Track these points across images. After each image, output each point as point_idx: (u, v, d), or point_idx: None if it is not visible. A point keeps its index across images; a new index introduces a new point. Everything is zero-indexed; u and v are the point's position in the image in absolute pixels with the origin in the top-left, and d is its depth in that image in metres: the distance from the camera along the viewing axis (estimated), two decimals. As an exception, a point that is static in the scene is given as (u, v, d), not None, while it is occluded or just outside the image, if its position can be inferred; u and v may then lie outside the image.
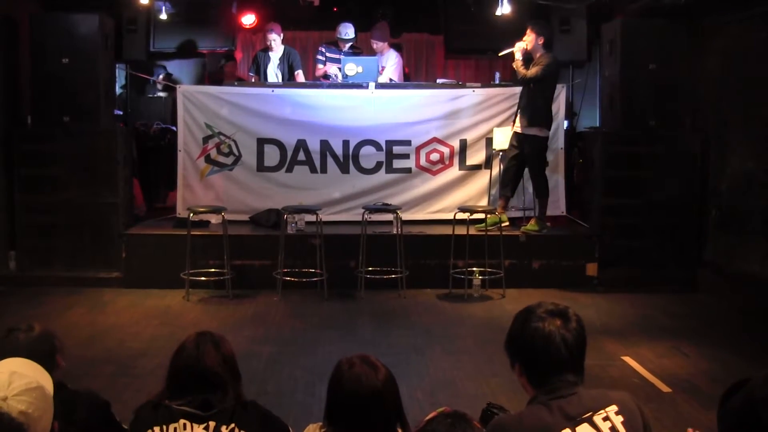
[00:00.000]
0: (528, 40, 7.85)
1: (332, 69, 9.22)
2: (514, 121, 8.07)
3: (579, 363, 2.32)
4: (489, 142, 8.49)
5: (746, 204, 7.64)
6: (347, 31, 9.31)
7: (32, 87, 8.00)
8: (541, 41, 7.84)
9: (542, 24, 8.03)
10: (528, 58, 7.91)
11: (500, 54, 8.20)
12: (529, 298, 7.38)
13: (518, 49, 7.87)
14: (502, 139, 8.23)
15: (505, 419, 2.35)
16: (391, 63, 9.35)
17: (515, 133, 8.04)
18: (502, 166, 8.29)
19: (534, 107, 7.85)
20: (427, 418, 2.20)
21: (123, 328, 6.55)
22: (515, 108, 8.10)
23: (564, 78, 9.60)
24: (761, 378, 1.66)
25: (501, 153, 8.33)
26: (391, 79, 9.17)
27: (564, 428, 2.19)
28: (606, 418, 2.22)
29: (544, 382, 2.29)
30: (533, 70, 7.76)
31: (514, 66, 7.96)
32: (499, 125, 8.40)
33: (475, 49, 8.05)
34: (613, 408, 2.24)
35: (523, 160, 8.05)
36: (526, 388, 2.35)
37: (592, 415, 2.22)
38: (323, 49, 9.56)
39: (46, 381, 2.35)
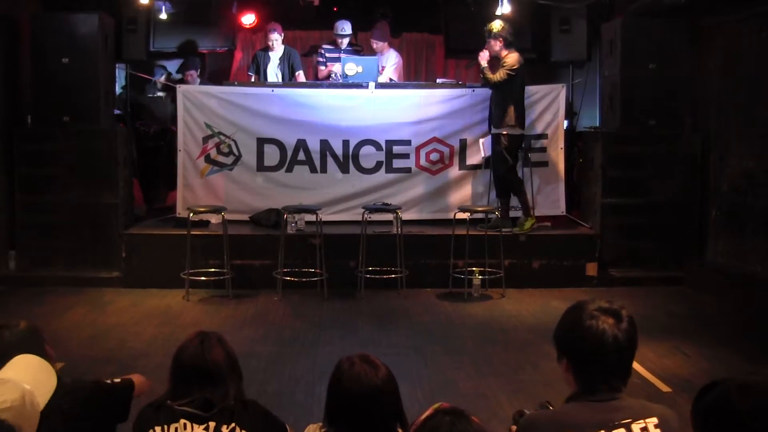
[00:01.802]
0: (488, 48, 7.86)
1: (335, 67, 9.20)
2: (489, 127, 8.10)
3: (627, 367, 2.28)
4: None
5: (746, 204, 7.64)
6: (344, 26, 9.29)
7: (32, 87, 8.00)
8: (500, 43, 7.84)
9: (496, 26, 7.91)
10: (495, 59, 7.91)
11: (466, 66, 8.23)
12: (530, 298, 7.50)
13: (483, 59, 7.87)
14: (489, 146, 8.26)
15: (539, 415, 2.32)
16: (391, 63, 9.34)
17: (492, 136, 8.08)
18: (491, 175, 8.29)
19: (505, 108, 7.85)
20: (424, 415, 2.11)
21: (123, 328, 6.55)
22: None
23: (564, 78, 9.62)
24: (735, 388, 1.63)
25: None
26: (391, 79, 9.16)
27: (599, 430, 2.14)
28: (644, 429, 2.16)
29: (589, 383, 2.24)
30: (497, 75, 7.77)
31: (481, 75, 7.98)
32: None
33: (475, 49, 8.06)
34: (653, 420, 2.18)
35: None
36: (570, 383, 2.29)
37: (631, 423, 2.16)
38: (323, 51, 9.55)
39: (46, 378, 2.35)
